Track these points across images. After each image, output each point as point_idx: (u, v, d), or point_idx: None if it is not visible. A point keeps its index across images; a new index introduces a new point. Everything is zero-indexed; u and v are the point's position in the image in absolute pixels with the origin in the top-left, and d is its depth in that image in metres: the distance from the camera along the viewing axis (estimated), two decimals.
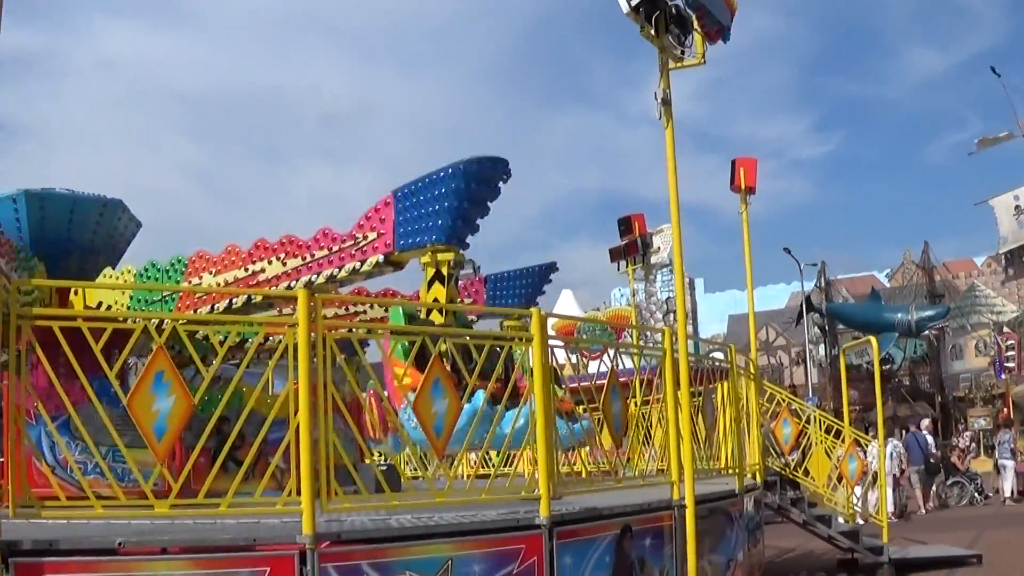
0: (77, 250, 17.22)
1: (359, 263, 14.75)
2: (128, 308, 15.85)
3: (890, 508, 29.67)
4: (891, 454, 30.90)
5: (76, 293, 16.07)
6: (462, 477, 14.63)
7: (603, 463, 13.81)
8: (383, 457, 14.63)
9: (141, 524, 9.39)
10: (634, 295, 36.02)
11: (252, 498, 9.43)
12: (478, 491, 10.66)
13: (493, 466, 14.23)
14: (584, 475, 13.02)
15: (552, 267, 20.56)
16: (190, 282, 15.56)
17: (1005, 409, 48.85)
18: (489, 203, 14.66)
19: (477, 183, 14.26)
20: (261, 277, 15.08)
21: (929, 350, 66.33)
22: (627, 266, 33.84)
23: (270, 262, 15.12)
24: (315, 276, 14.77)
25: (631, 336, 25.46)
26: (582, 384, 12.81)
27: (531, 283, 20.25)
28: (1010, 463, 35.06)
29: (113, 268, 16.76)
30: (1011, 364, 52.69)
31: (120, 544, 8.46)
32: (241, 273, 15.32)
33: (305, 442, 8.99)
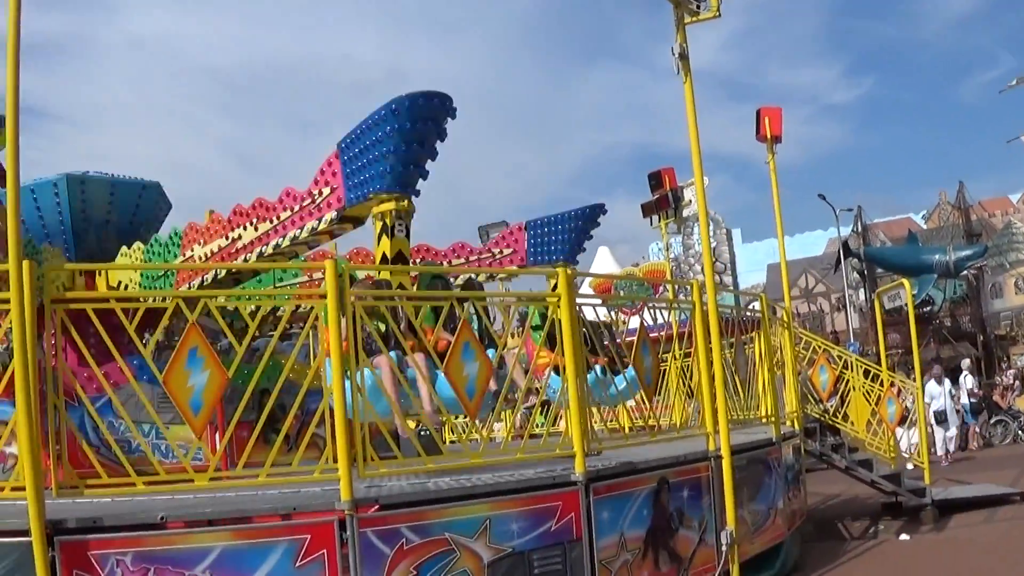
0: (116, 233, 17.26)
1: (316, 221, 13.70)
2: (139, 287, 15.88)
3: (952, 447, 30.45)
4: (949, 391, 30.66)
5: (100, 275, 16.09)
6: (498, 438, 14.75)
7: (643, 418, 13.90)
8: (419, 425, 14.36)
9: (184, 498, 9.52)
10: (667, 249, 35.94)
11: (290, 467, 9.58)
12: (514, 450, 10.75)
13: (539, 426, 14.38)
14: (627, 430, 13.14)
15: (599, 208, 19.37)
16: (185, 254, 15.36)
17: None
18: (436, 144, 13.40)
19: (420, 122, 13.02)
20: (239, 244, 14.17)
21: (968, 290, 65.92)
22: (660, 220, 33.73)
23: (245, 228, 14.25)
24: (281, 240, 13.91)
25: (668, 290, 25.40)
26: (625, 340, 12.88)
27: (577, 227, 18.89)
28: None
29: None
30: None
31: (163, 518, 8.61)
32: (224, 242, 14.53)
33: (339, 411, 9.13)
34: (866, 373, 21.23)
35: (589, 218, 18.78)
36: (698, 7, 13.39)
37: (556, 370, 11.75)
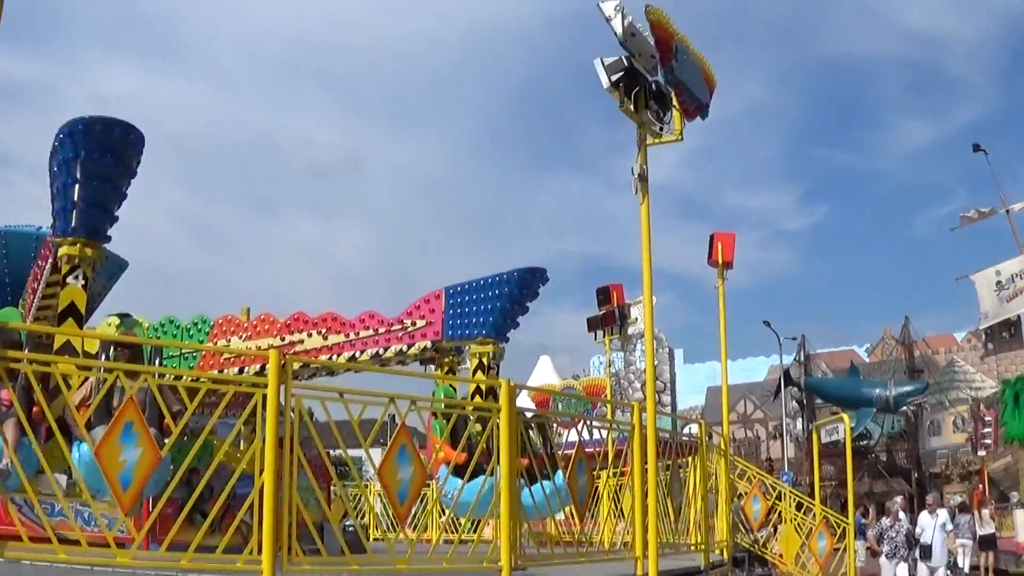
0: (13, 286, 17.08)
1: (407, 346, 16.66)
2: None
3: None
4: (943, 525, 28.17)
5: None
6: (427, 541, 14.66)
7: (569, 533, 13.83)
8: (349, 521, 14.74)
9: (102, 572, 9.37)
10: (610, 365, 36.09)
11: (215, 554, 9.45)
12: (440, 558, 10.66)
13: (458, 530, 14.30)
14: (553, 540, 13.05)
15: (539, 273, 18.14)
16: (215, 343, 16.30)
17: (981, 486, 48.78)
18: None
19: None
20: (299, 347, 16.23)
21: (907, 426, 66.22)
22: (604, 336, 33.90)
23: (309, 335, 16.47)
24: (359, 353, 16.32)
25: (606, 407, 25.49)
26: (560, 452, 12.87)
27: (507, 295, 17.43)
28: (968, 543, 34.49)
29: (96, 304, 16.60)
30: (988, 441, 52.63)
31: None
32: (276, 341, 16.36)
33: (269, 501, 9.04)
34: (799, 506, 21.26)
35: (524, 285, 17.66)
36: (661, 130, 13.55)
37: (457, 470, 11.54)
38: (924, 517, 27.60)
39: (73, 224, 12.51)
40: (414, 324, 16.68)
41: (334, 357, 16.45)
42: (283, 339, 16.52)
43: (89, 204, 12.61)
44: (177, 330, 16.76)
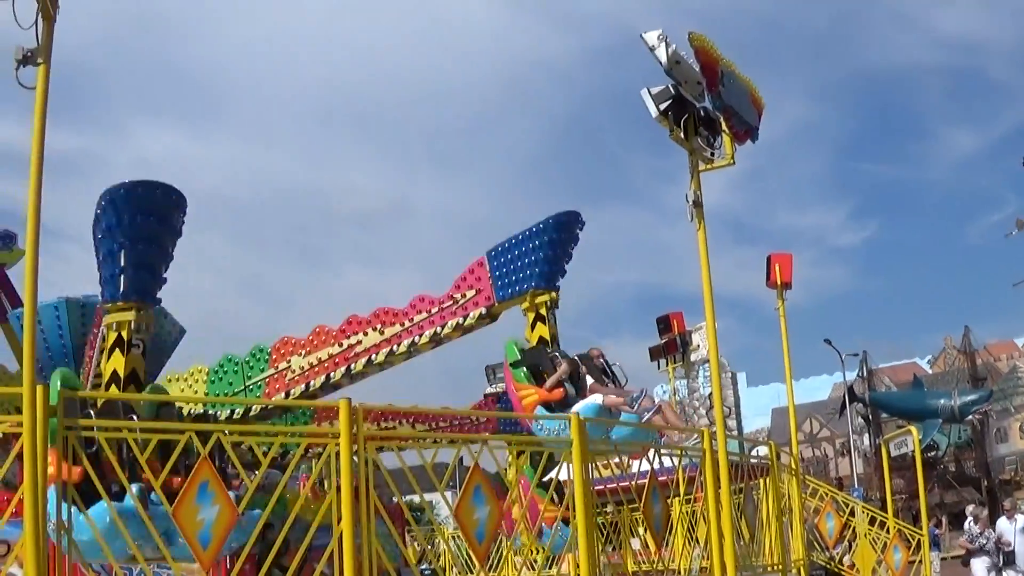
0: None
1: (462, 318, 17.19)
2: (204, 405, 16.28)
3: None
4: (1023, 529, 26.03)
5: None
6: None
7: (650, 562, 13.82)
8: (428, 562, 14.91)
9: None
10: (675, 393, 36.01)
11: None
12: None
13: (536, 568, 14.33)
14: (629, 574, 13.04)
15: (574, 217, 17.97)
16: (275, 367, 16.66)
17: None
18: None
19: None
20: (359, 348, 16.85)
21: (973, 434, 65.77)
22: (667, 364, 33.86)
23: (366, 334, 16.82)
24: (417, 338, 16.71)
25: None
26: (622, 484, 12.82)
27: (549, 243, 17.30)
28: None
29: (156, 373, 16.86)
30: None
31: None
32: (335, 349, 16.89)
33: (348, 549, 9.07)
34: (872, 520, 21.12)
35: (562, 229, 17.76)
36: (712, 155, 13.56)
37: (565, 521, 11.68)
38: (1003, 523, 26.53)
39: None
40: (464, 296, 17.27)
41: (394, 348, 16.79)
42: (341, 345, 17.09)
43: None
44: (236, 366, 17.04)
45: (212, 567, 9.31)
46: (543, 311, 16.87)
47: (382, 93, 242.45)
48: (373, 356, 17.37)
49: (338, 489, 9.27)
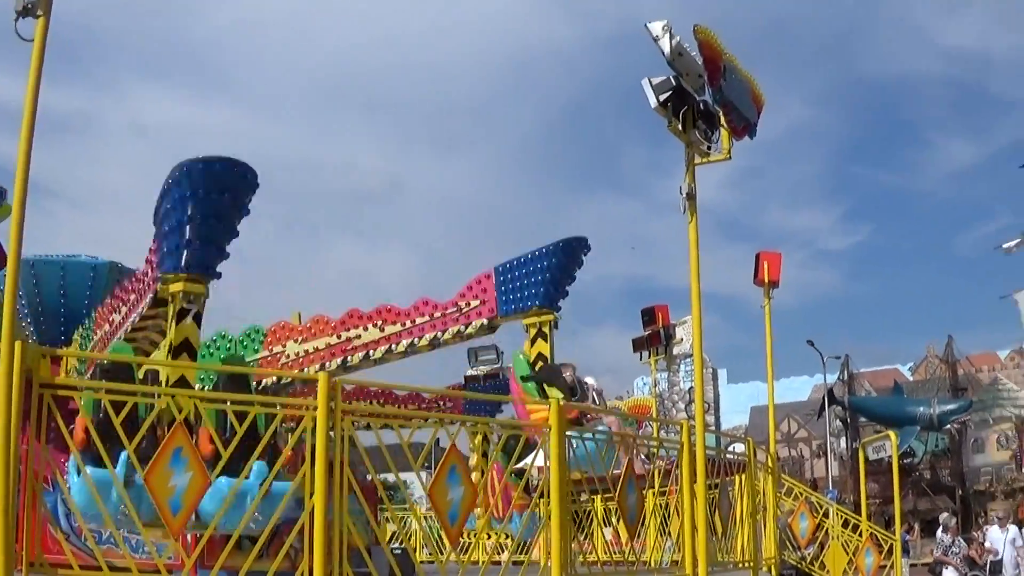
0: (71, 316, 17.28)
1: (463, 327, 17.41)
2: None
3: None
4: (1013, 540, 26.45)
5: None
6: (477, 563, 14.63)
7: (622, 552, 13.81)
8: (399, 542, 14.94)
9: None
10: (655, 385, 36.02)
11: None
12: None
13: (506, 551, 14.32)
14: (602, 565, 13.01)
15: (582, 244, 18.46)
16: (270, 350, 16.99)
17: None
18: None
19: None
20: (357, 342, 17.13)
21: (950, 444, 65.95)
22: (650, 356, 33.85)
23: (366, 328, 17.25)
24: (416, 340, 17.46)
25: (651, 426, 25.40)
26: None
27: (554, 266, 17.87)
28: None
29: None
30: None
31: None
32: (333, 340, 17.20)
33: (319, 524, 9.02)
34: (845, 523, 21.14)
35: (569, 254, 18.19)
36: (709, 149, 13.50)
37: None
38: (994, 532, 26.68)
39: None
40: (468, 305, 17.53)
41: (392, 346, 17.16)
42: (339, 337, 17.48)
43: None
44: (230, 343, 17.20)
45: (181, 534, 9.25)
46: (545, 329, 17.39)
47: (388, 72, 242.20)
48: (371, 351, 17.73)
49: (312, 462, 9.22)
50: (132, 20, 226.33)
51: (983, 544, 30.07)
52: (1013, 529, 26.85)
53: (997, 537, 26.25)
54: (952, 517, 28.55)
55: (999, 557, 25.84)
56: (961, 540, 27.20)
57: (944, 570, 27.18)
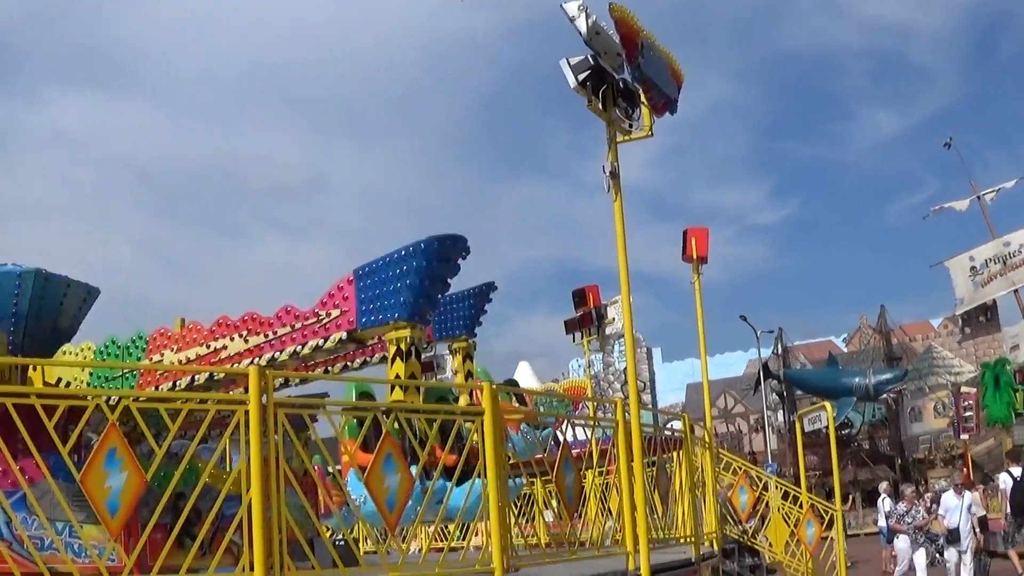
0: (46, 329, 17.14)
1: (322, 340, 14.77)
2: (88, 385, 15.74)
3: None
4: (970, 506, 25.72)
5: (35, 370, 15.92)
6: (418, 551, 14.60)
7: (562, 533, 13.84)
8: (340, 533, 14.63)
9: None
10: (589, 366, 36.09)
11: (207, 574, 9.42)
12: (432, 564, 10.64)
13: (448, 539, 14.28)
14: (544, 545, 13.06)
15: (491, 287, 19.62)
16: (151, 359, 15.49)
17: (965, 469, 48.98)
18: (448, 280, 14.87)
19: (437, 261, 14.36)
20: (223, 354, 14.99)
21: (888, 413, 66.64)
22: (582, 338, 33.84)
23: (232, 339, 15.01)
24: (278, 353, 14.66)
25: (588, 407, 25.38)
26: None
27: (472, 305, 19.31)
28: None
29: (66, 335, 16.52)
30: (970, 424, 52.93)
31: None
32: (203, 350, 15.21)
33: (257, 518, 9.02)
34: (785, 495, 21.34)
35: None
36: (631, 127, 13.55)
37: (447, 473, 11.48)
38: (950, 498, 25.80)
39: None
40: (328, 315, 14.89)
41: (256, 360, 15.01)
42: (208, 347, 15.34)
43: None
44: (119, 349, 16.17)
45: (121, 535, 9.23)
46: (403, 347, 14.46)
47: (302, 67, 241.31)
48: (236, 365, 15.13)
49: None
50: (42, 27, 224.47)
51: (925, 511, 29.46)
52: (969, 495, 26.26)
53: (953, 504, 25.51)
54: (908, 485, 28.63)
55: (956, 525, 25.22)
56: (921, 508, 26.91)
57: (896, 539, 27.26)
